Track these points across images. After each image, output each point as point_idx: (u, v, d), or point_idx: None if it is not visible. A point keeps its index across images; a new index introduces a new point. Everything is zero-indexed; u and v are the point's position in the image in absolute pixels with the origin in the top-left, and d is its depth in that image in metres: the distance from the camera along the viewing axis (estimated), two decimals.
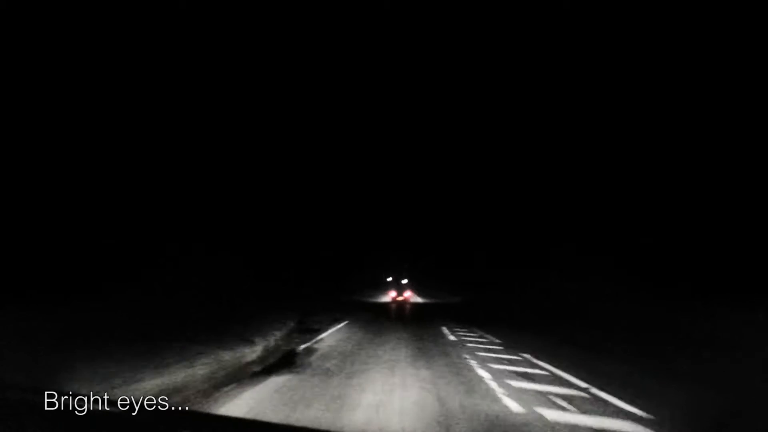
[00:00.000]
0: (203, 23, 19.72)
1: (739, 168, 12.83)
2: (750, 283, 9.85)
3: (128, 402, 1.39)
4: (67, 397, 1.38)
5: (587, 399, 4.84)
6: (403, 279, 47.84)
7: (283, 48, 31.13)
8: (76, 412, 1.32)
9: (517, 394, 4.96)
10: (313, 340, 9.19)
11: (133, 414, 1.35)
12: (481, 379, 5.74)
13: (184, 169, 17.64)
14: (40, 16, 12.54)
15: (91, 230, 12.45)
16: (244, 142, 23.64)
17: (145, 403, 1.37)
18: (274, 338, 8.99)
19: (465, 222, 44.14)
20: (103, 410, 1.34)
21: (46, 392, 1.38)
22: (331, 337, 9.94)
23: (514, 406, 4.52)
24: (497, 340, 9.74)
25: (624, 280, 14.33)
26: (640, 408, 4.43)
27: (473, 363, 6.87)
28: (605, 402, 4.70)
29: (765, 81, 12.41)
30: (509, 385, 5.42)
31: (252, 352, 7.25)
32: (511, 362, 7.02)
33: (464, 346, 8.83)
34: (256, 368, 6.20)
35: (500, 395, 4.91)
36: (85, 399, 1.38)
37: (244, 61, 24.83)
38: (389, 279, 55.97)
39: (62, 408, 1.33)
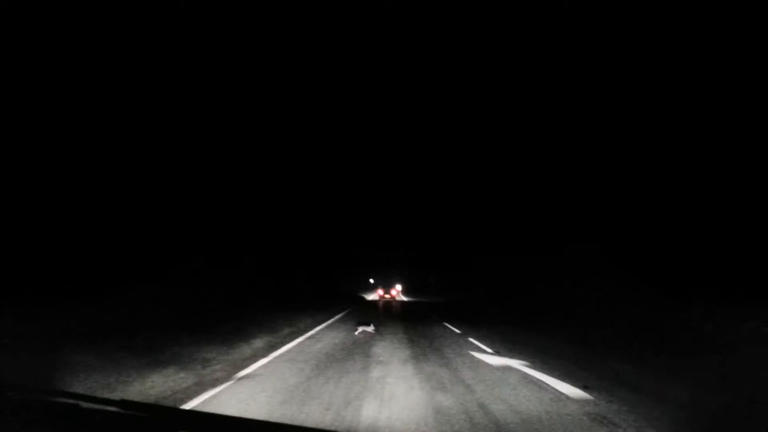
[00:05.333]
0: (203, 23, 19.75)
1: (741, 167, 12.84)
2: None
3: (128, 402, 1.40)
4: (67, 397, 1.39)
5: None
6: (391, 279, 48.19)
7: (282, 49, 31.10)
8: (77, 412, 1.33)
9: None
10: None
11: (133, 414, 1.36)
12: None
13: (185, 177, 17.83)
14: (40, 16, 12.57)
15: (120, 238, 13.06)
16: (231, 144, 23.65)
17: (145, 403, 1.38)
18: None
19: (454, 223, 43.95)
20: (103, 410, 1.35)
21: (46, 392, 1.39)
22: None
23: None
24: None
25: (623, 280, 14.37)
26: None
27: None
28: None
29: (764, 80, 12.43)
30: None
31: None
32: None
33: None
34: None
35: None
36: (85, 399, 1.39)
37: (243, 63, 24.85)
38: (372, 281, 56.15)
39: (62, 408, 1.34)
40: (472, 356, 6.65)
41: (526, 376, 5.18)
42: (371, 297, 41.16)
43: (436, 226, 49.95)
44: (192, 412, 2.84)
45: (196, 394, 4.21)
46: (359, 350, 7.17)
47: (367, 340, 8.48)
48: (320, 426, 3.20)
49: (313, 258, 35.54)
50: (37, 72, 12.43)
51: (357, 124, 48.93)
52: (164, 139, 16.94)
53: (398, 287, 44.30)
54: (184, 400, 3.97)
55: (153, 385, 4.51)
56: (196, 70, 19.85)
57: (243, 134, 24.80)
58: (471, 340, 8.63)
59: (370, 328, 10.31)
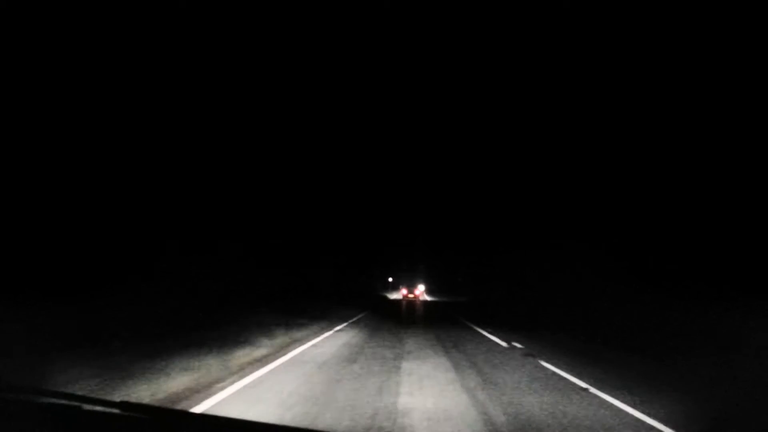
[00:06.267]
0: (203, 23, 19.72)
1: (741, 167, 12.83)
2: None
3: (129, 403, 1.39)
4: (67, 398, 1.38)
5: None
6: (414, 278, 46.81)
7: (286, 48, 30.94)
8: (77, 414, 1.32)
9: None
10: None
11: (133, 414, 1.34)
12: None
13: (199, 176, 17.84)
14: (40, 16, 12.54)
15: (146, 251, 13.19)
16: (260, 148, 23.47)
17: (147, 404, 1.37)
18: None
19: (478, 224, 43.43)
20: (103, 410, 1.34)
21: (46, 393, 1.38)
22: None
23: None
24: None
25: (623, 279, 14.46)
26: None
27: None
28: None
29: (765, 81, 12.42)
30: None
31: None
32: None
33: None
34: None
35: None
36: (86, 400, 1.38)
37: (246, 61, 24.71)
38: (390, 279, 55.64)
39: (63, 409, 1.33)
40: None
41: None
42: (394, 296, 40.71)
43: (459, 227, 49.20)
44: (193, 414, 2.83)
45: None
46: None
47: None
48: (320, 427, 3.20)
49: (332, 256, 34.53)
50: (36, 73, 12.38)
51: (384, 123, 48.15)
52: (168, 139, 16.87)
53: (421, 287, 43.37)
54: None
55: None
56: (196, 69, 19.80)
57: (258, 133, 24.42)
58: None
59: None
